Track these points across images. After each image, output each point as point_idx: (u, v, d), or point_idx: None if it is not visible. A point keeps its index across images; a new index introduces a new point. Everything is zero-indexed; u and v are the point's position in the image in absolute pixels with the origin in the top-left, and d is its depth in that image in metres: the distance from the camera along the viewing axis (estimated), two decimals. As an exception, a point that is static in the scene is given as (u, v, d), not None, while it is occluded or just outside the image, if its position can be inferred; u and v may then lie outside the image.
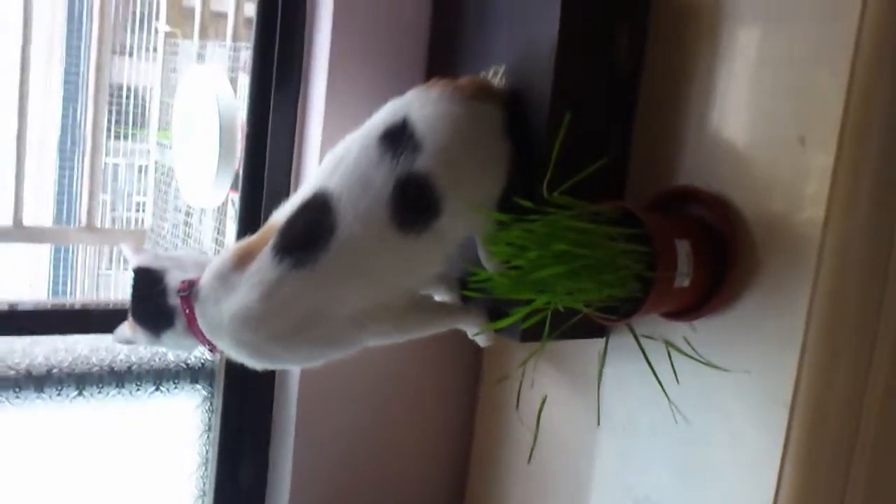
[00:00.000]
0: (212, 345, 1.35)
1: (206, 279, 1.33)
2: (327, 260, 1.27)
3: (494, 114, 1.34)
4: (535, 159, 1.31)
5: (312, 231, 1.29)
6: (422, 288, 1.43)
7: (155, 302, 1.35)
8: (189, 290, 1.33)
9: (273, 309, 1.28)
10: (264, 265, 1.29)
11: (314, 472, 1.70)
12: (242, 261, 1.31)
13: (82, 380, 1.54)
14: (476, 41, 1.49)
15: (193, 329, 1.33)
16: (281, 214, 1.33)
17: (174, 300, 1.33)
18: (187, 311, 1.33)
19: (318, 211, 1.29)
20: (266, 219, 1.40)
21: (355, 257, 1.28)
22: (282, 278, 1.27)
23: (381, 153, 1.29)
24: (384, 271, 1.32)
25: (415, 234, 1.28)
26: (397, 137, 1.29)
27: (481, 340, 1.44)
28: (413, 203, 1.27)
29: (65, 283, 8.46)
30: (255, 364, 1.36)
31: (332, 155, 1.34)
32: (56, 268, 8.48)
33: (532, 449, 1.54)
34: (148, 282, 1.36)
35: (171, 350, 1.59)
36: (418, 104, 1.32)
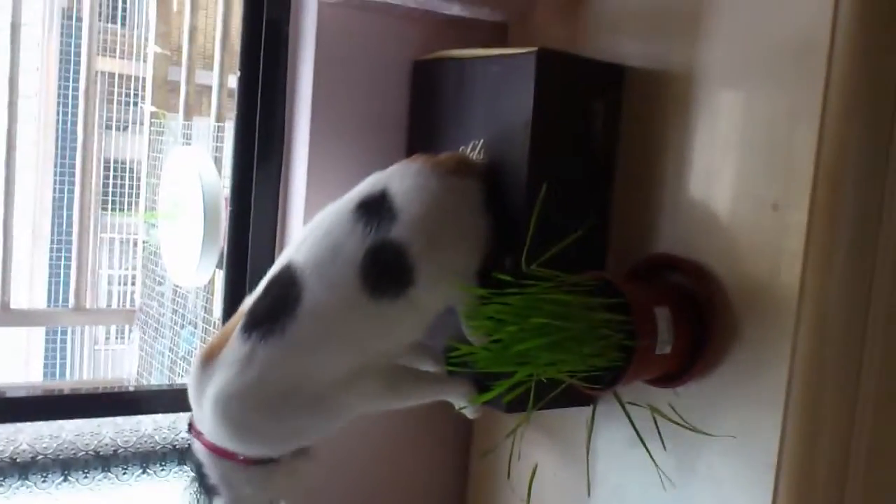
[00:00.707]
0: (230, 454, 1.34)
1: (189, 396, 1.35)
2: (295, 327, 1.28)
3: (472, 189, 1.36)
4: (513, 232, 1.33)
5: (277, 303, 1.30)
6: (403, 352, 1.43)
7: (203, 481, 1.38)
8: (191, 422, 1.36)
9: (251, 379, 1.29)
10: (234, 346, 1.30)
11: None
12: (211, 354, 1.33)
13: (67, 465, 1.53)
14: (455, 116, 1.52)
15: (211, 449, 1.34)
16: (249, 300, 1.35)
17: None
18: (199, 436, 1.35)
19: (284, 285, 1.31)
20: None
21: (324, 323, 1.29)
22: (252, 351, 1.28)
23: (354, 222, 1.31)
24: (359, 336, 1.32)
25: (388, 301, 1.29)
26: (374, 207, 1.31)
27: (468, 413, 1.44)
28: (385, 270, 1.29)
29: (62, 361, 8.43)
30: (260, 449, 1.35)
31: (304, 228, 1.37)
32: (51, 346, 8.46)
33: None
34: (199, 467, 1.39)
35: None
36: (398, 177, 1.35)
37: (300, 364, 1.30)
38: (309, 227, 1.36)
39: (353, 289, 1.28)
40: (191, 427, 1.38)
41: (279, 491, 1.43)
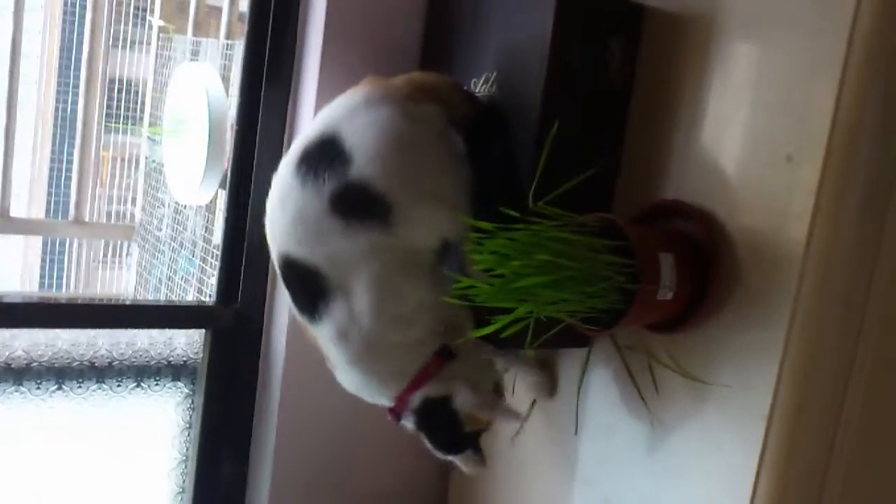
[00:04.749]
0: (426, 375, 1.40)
1: None
2: (337, 298, 1.31)
3: (433, 114, 1.32)
4: (520, 168, 1.31)
5: (307, 292, 1.33)
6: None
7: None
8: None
9: (365, 332, 1.33)
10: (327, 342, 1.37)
11: (295, 469, 1.69)
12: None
13: (62, 374, 1.54)
14: (469, 47, 1.50)
15: (413, 389, 1.39)
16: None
17: None
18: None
19: (299, 277, 1.33)
20: (253, 218, 1.48)
21: (351, 280, 1.30)
22: (341, 325, 1.33)
23: (302, 178, 1.28)
24: (384, 267, 1.31)
25: (378, 229, 1.27)
26: (319, 154, 1.28)
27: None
28: (355, 207, 1.26)
29: (59, 278, 8.46)
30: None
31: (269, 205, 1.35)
32: (48, 262, 8.49)
33: (517, 431, 1.58)
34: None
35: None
36: (346, 114, 1.31)
37: (383, 305, 1.32)
38: (270, 206, 1.34)
39: (342, 236, 1.27)
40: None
41: (493, 370, 1.47)
